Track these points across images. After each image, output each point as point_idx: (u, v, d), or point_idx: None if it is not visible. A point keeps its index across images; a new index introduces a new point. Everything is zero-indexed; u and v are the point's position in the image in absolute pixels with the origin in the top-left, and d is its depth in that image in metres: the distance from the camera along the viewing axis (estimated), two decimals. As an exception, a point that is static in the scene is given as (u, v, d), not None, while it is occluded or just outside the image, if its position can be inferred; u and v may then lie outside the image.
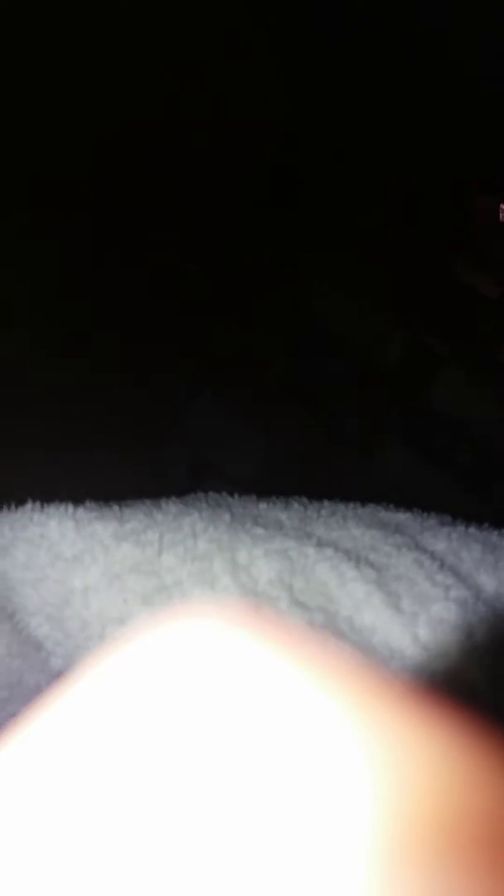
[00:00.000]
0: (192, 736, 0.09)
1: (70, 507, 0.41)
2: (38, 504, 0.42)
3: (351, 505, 0.44)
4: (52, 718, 0.10)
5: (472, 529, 0.45)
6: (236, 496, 0.46)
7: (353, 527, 0.41)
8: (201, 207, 1.02)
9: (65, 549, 0.39)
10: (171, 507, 0.42)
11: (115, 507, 0.42)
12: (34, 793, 0.10)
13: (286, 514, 0.43)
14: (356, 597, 0.38)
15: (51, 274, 0.80)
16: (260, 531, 0.40)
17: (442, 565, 0.40)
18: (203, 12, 0.87)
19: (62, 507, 0.41)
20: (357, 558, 0.39)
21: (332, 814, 0.09)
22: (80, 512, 0.41)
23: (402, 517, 0.43)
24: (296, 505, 0.44)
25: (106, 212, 0.88)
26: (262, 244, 1.15)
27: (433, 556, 0.40)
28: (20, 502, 0.44)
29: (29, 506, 0.42)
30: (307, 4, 1.07)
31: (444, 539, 0.43)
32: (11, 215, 0.68)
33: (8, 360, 0.77)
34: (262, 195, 1.15)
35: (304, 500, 0.45)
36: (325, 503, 0.44)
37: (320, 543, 0.39)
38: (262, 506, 0.44)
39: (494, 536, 0.44)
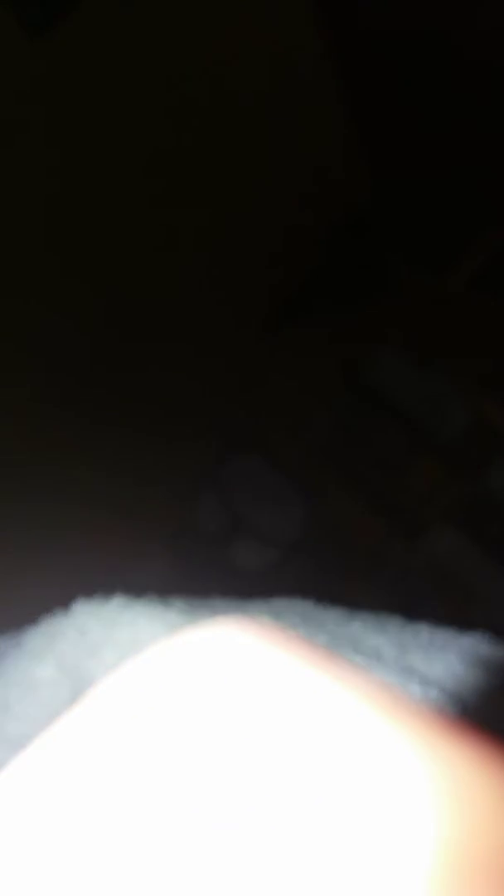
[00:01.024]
0: (235, 748, 0.09)
1: (161, 609, 0.40)
2: (127, 599, 0.41)
3: (450, 633, 0.43)
4: (74, 726, 0.10)
5: None
6: (323, 605, 0.44)
7: (455, 662, 0.40)
8: (261, 268, 1.01)
9: None
10: (265, 620, 0.40)
11: (207, 613, 0.41)
12: (51, 798, 0.09)
13: (384, 638, 0.41)
14: None
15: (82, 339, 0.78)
16: (360, 660, 0.39)
17: None
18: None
19: (152, 607, 0.40)
20: (464, 705, 0.37)
21: (395, 838, 0.09)
22: (172, 615, 0.39)
23: (504, 655, 0.42)
24: (391, 627, 0.42)
25: (167, 260, 0.87)
26: (320, 307, 1.14)
27: None
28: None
29: (117, 600, 0.41)
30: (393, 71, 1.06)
31: None
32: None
33: (58, 420, 0.76)
34: (328, 257, 1.14)
35: (397, 619, 0.43)
36: (421, 627, 0.43)
37: (424, 682, 0.38)
38: (357, 625, 0.42)
39: None
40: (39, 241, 0.77)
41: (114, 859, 0.09)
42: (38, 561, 0.61)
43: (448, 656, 0.40)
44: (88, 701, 0.11)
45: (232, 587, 0.49)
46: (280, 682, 0.10)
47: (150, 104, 0.97)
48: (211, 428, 0.83)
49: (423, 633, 0.42)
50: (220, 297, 0.78)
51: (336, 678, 0.10)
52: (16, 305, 0.68)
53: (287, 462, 0.87)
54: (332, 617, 0.43)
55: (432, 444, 0.99)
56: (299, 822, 0.09)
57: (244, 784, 0.09)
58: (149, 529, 0.80)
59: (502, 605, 0.86)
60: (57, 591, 0.46)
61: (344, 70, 1.12)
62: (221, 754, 0.09)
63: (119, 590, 0.44)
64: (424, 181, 1.19)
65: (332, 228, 1.03)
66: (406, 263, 1.11)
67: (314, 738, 0.09)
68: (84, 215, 0.81)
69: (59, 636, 0.40)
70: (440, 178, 1.17)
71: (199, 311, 0.79)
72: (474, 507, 0.99)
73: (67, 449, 0.69)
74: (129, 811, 0.09)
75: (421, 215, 1.19)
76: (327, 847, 0.09)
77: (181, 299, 0.77)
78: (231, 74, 1.04)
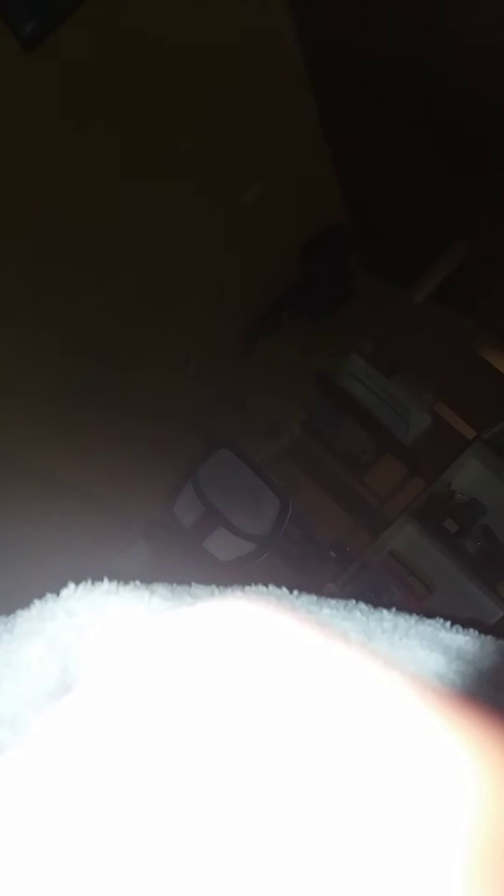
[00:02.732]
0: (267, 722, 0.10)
1: (146, 594, 0.41)
2: (114, 585, 0.42)
3: (411, 619, 0.44)
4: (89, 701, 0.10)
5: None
6: (296, 592, 0.46)
7: (416, 647, 0.41)
8: (242, 282, 1.02)
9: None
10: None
11: (188, 598, 0.42)
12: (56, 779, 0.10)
13: (351, 624, 0.43)
14: None
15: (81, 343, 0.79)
16: (329, 644, 0.40)
17: None
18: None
19: (138, 593, 0.41)
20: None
21: (434, 812, 0.09)
22: (156, 600, 0.40)
23: (462, 640, 0.43)
24: (358, 613, 0.44)
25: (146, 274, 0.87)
26: (296, 320, 1.15)
27: (498, 686, 0.40)
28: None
29: (105, 585, 0.41)
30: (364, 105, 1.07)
31: None
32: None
33: (47, 405, 0.77)
34: (303, 273, 1.15)
35: (363, 606, 0.45)
36: (385, 614, 0.44)
37: (387, 666, 0.39)
38: (326, 611, 0.44)
39: None
40: (55, 250, 0.77)
41: (120, 832, 0.09)
42: (30, 548, 0.61)
43: (410, 642, 0.42)
44: (84, 682, 0.11)
45: (208, 576, 0.50)
46: (288, 648, 0.10)
47: (139, 119, 0.97)
48: (193, 430, 0.84)
49: (387, 620, 0.44)
50: (207, 310, 0.79)
51: (336, 645, 0.10)
52: (37, 308, 0.69)
53: (262, 462, 0.88)
54: (303, 603, 0.44)
55: (397, 446, 1.01)
56: (323, 796, 0.09)
57: (262, 750, 0.09)
58: (132, 521, 0.81)
59: (456, 595, 0.89)
60: (47, 577, 0.46)
61: (322, 104, 1.13)
62: (229, 727, 0.09)
63: (104, 576, 0.44)
64: (392, 205, 1.22)
65: (307, 247, 1.05)
66: (375, 278, 1.13)
67: (338, 704, 0.09)
68: (89, 228, 0.81)
69: (49, 619, 0.40)
70: (407, 201, 1.21)
71: (187, 323, 0.80)
72: (433, 504, 1.01)
73: (62, 446, 0.69)
74: (136, 791, 0.09)
75: (389, 234, 1.23)
76: (358, 814, 0.09)
77: (173, 312, 0.78)
78: (219, 94, 1.05)
